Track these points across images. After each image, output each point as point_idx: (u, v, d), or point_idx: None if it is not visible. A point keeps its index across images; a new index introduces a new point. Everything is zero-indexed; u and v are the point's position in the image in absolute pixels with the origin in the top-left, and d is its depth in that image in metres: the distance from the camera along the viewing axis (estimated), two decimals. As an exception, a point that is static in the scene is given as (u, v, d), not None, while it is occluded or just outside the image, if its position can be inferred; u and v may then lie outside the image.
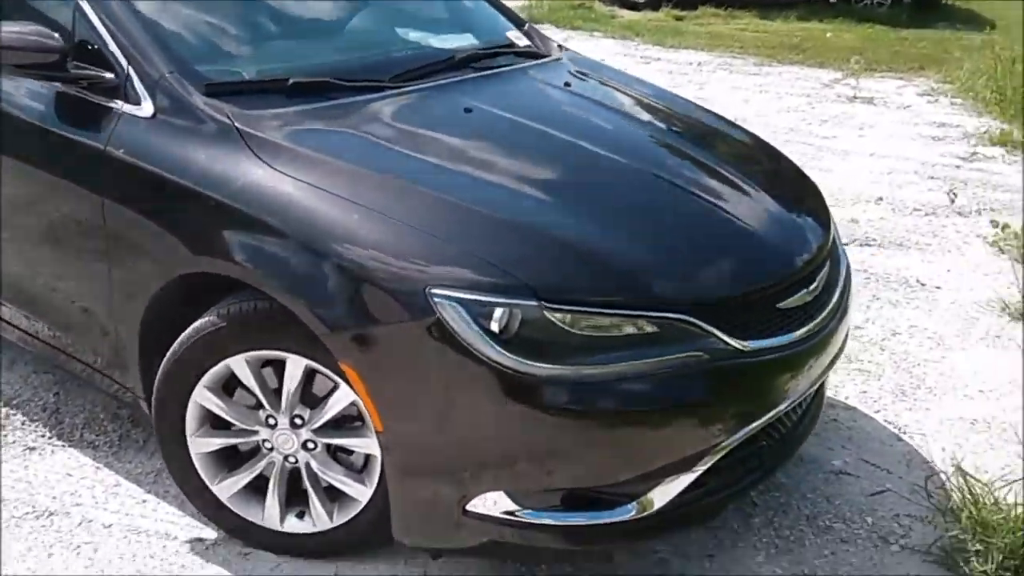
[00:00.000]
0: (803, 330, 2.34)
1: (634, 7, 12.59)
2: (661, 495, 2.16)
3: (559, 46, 3.45)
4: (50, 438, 2.80)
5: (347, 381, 2.09)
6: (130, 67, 2.34)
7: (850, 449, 3.08)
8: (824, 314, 2.45)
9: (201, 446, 2.34)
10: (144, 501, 2.56)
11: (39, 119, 2.48)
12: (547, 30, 10.66)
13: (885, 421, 3.25)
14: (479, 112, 2.57)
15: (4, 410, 2.90)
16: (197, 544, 2.42)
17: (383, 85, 2.60)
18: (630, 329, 2.07)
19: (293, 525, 2.37)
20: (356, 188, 2.15)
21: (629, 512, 2.16)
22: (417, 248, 2.05)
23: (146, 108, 2.32)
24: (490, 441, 2.04)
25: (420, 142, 2.38)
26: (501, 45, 3.20)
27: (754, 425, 2.24)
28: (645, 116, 2.86)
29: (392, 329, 2.01)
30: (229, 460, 2.39)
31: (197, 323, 2.24)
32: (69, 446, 2.77)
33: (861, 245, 4.70)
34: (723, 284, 2.22)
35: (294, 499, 2.38)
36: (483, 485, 2.07)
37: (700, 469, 2.17)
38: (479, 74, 2.87)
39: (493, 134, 2.53)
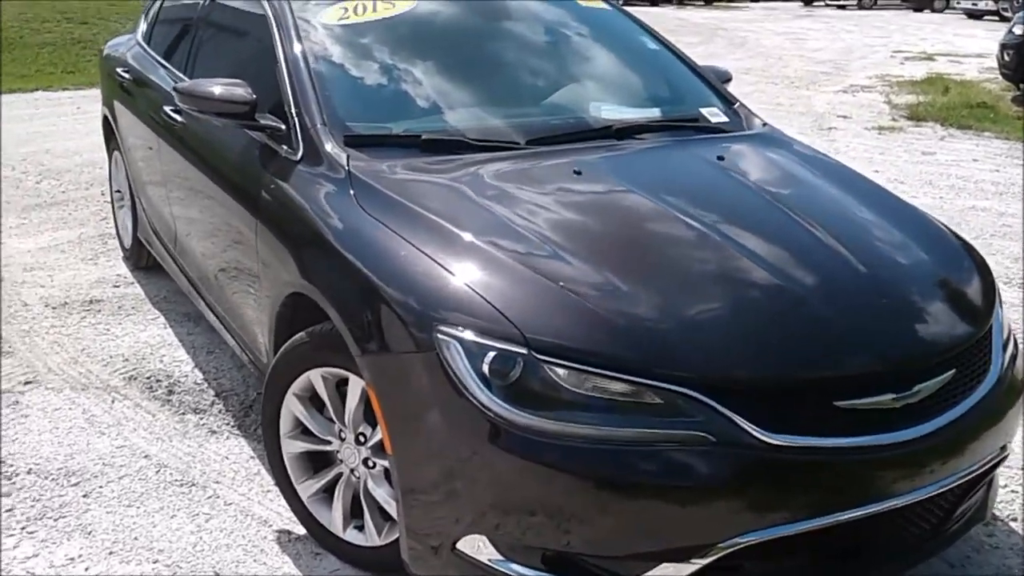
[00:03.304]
0: (876, 438, 2.05)
1: (1052, 108, 11.17)
2: (653, 582, 2.02)
3: (764, 124, 3.34)
4: (232, 426, 3.30)
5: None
6: (296, 119, 2.78)
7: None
8: (931, 426, 2.12)
9: (290, 447, 2.64)
10: (268, 491, 2.92)
11: (236, 159, 3.02)
12: (927, 127, 9.95)
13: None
14: (586, 175, 2.63)
15: (214, 398, 3.48)
16: (283, 535, 2.72)
17: (513, 146, 2.77)
18: (633, 396, 2.00)
19: (353, 536, 2.56)
20: (418, 233, 2.34)
21: (619, 592, 2.05)
22: (440, 288, 2.18)
23: (298, 153, 2.73)
24: (474, 482, 2.07)
25: (502, 198, 2.48)
26: (683, 119, 3.20)
27: (784, 530, 2.01)
28: (784, 193, 2.67)
29: (404, 359, 2.15)
30: (315, 464, 2.65)
31: (294, 337, 2.57)
32: (242, 436, 3.24)
33: None
34: (751, 367, 2.04)
35: (360, 512, 2.57)
36: (470, 526, 2.10)
37: (699, 563, 1.99)
38: (626, 143, 2.91)
39: (579, 197, 2.56)
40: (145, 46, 4.34)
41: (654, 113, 3.25)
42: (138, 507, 2.83)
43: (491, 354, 2.03)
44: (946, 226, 2.81)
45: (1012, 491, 3.07)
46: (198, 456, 3.11)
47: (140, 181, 4.25)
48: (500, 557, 2.10)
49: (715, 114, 3.27)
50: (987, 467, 2.33)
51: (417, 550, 2.22)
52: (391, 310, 2.18)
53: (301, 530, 2.72)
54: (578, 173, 2.65)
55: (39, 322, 4.15)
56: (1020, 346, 2.58)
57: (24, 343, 3.94)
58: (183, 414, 3.38)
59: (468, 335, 2.06)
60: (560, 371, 2.01)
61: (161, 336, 4.03)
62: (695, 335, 2.09)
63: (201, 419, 3.34)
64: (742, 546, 1.99)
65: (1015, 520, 2.93)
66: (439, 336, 2.08)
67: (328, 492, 2.61)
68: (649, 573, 2.01)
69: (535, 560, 2.08)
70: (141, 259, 4.66)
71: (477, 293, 2.14)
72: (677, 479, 1.96)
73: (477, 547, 2.11)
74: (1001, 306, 2.53)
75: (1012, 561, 2.74)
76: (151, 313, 4.28)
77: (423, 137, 2.74)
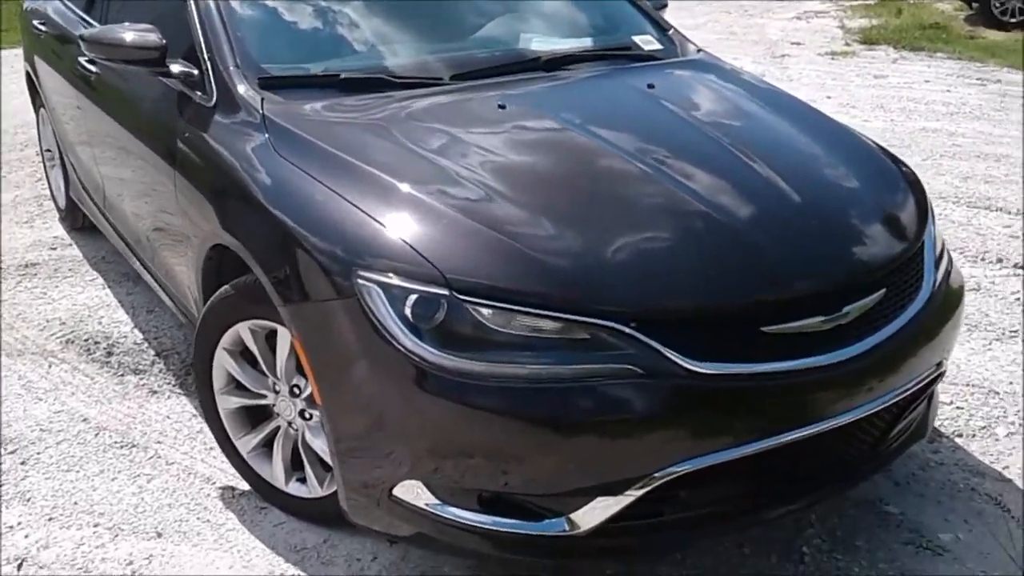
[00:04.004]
0: (805, 361, 2.04)
1: (1002, 26, 11.13)
2: (589, 516, 2.01)
3: (699, 50, 3.27)
4: (173, 386, 3.24)
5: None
6: (208, 63, 2.67)
7: (972, 525, 2.57)
8: (862, 346, 2.11)
9: (225, 403, 2.58)
10: (211, 449, 2.86)
11: (152, 109, 2.91)
12: (880, 51, 9.90)
13: (1043, 503, 2.66)
14: (510, 109, 2.56)
15: (154, 357, 3.41)
16: (227, 492, 2.68)
17: (436, 82, 2.68)
18: (559, 333, 1.96)
19: (296, 488, 2.53)
20: (335, 176, 2.26)
21: (557, 528, 2.04)
22: (359, 233, 2.11)
23: (212, 99, 2.63)
24: (405, 428, 2.03)
25: (421, 135, 2.42)
26: (615, 48, 3.13)
27: (717, 458, 2.00)
28: (715, 119, 2.63)
29: (326, 307, 2.09)
30: (253, 418, 2.60)
31: (220, 290, 2.50)
32: (184, 395, 3.18)
33: None
34: (675, 297, 2.01)
35: (301, 464, 2.53)
36: (406, 472, 2.07)
37: (633, 495, 1.98)
38: (555, 75, 2.84)
39: (503, 132, 2.49)
40: (63, -3, 4.16)
41: (585, 43, 3.17)
42: (77, 471, 2.78)
43: (413, 297, 1.98)
44: (878, 144, 2.78)
45: (957, 407, 3.10)
46: (139, 417, 3.05)
47: (67, 140, 4.10)
48: (437, 501, 2.07)
49: (648, 42, 3.19)
50: (923, 384, 2.33)
51: (355, 500, 2.19)
52: (310, 257, 2.12)
53: (245, 486, 2.68)
54: (502, 107, 2.57)
55: (-27, 290, 4.04)
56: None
57: (-42, 312, 3.83)
58: (123, 375, 3.31)
59: (389, 279, 2.01)
60: (484, 311, 1.96)
61: (100, 297, 3.93)
62: (619, 268, 2.05)
63: (141, 379, 3.28)
64: (677, 475, 1.98)
65: (960, 436, 2.95)
66: (359, 281, 2.03)
67: (268, 446, 2.57)
68: (585, 507, 2.00)
69: (472, 502, 2.06)
70: (77, 220, 4.53)
71: (397, 236, 2.08)
72: (608, 413, 1.94)
73: (415, 493, 2.08)
74: (934, 223, 2.51)
75: (956, 476, 2.77)
76: (89, 275, 4.17)
77: (342, 76, 2.64)
